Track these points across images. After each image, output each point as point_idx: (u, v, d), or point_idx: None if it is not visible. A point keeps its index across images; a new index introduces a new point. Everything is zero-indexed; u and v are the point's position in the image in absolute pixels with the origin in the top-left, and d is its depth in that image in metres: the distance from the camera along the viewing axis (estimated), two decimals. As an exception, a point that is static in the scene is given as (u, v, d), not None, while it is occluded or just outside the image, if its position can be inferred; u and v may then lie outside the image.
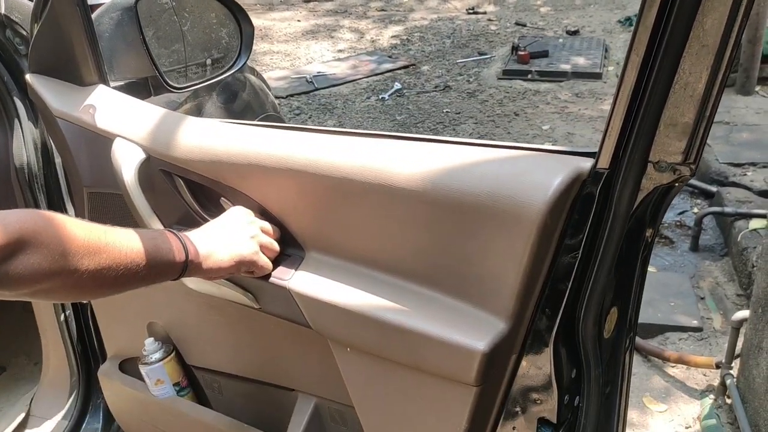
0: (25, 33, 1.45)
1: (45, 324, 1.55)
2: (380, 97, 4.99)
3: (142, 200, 1.14)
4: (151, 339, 1.32)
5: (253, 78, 2.25)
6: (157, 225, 1.14)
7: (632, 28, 0.77)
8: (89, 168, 1.26)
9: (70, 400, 1.60)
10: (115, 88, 1.31)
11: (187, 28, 1.74)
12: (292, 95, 5.08)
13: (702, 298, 2.74)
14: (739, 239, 2.83)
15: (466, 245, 0.91)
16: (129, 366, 1.43)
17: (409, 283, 0.96)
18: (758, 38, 4.16)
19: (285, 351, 1.19)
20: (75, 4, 1.21)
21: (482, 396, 0.91)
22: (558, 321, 0.88)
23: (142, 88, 1.42)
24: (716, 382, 2.28)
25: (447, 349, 0.89)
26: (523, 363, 0.92)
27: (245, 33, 1.61)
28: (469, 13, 6.65)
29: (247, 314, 1.13)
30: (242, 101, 2.15)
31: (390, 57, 5.73)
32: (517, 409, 0.94)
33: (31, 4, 1.32)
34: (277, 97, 4.33)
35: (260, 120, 2.10)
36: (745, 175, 3.35)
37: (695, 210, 3.31)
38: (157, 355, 1.31)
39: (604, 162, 0.83)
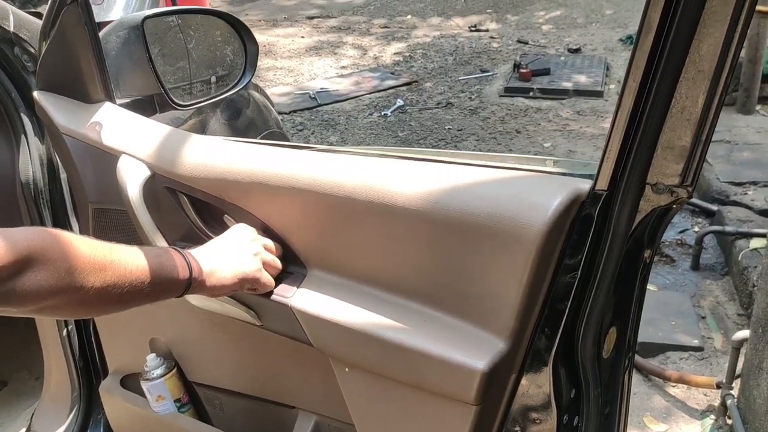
0: (33, 50, 1.47)
1: (47, 339, 1.55)
2: (383, 113, 5.02)
3: (146, 217, 1.15)
4: (153, 355, 1.33)
5: (256, 95, 2.27)
6: (161, 242, 1.15)
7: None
8: (95, 184, 1.27)
9: (71, 415, 1.60)
10: (121, 105, 1.33)
11: (192, 45, 1.76)
12: (295, 111, 5.11)
13: (703, 318, 2.74)
14: (739, 258, 2.83)
15: (466, 265, 0.92)
16: (130, 382, 1.44)
17: (410, 301, 0.97)
18: (758, 58, 4.18)
19: (286, 368, 1.19)
20: (83, 23, 1.23)
21: (482, 415, 0.92)
22: (557, 341, 0.89)
23: (148, 105, 1.44)
24: (717, 403, 2.27)
25: (447, 368, 0.90)
26: (523, 382, 0.92)
27: (250, 51, 1.63)
28: (472, 31, 6.70)
29: (249, 331, 1.14)
30: (246, 118, 2.17)
31: (393, 74, 5.77)
32: (517, 428, 0.94)
33: (40, 22, 1.34)
34: (280, 113, 4.36)
35: (264, 136, 2.12)
36: (746, 194, 3.36)
37: (696, 229, 3.31)
38: (159, 371, 1.31)
39: (603, 183, 0.85)
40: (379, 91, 5.42)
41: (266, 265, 1.05)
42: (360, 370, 1.01)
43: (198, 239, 1.12)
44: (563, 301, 0.88)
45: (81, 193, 1.30)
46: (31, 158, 1.46)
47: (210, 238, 1.10)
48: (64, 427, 1.60)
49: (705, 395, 2.37)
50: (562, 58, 5.71)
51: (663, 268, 3.07)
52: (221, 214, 1.14)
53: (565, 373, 0.91)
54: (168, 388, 1.33)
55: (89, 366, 1.55)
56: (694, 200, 3.38)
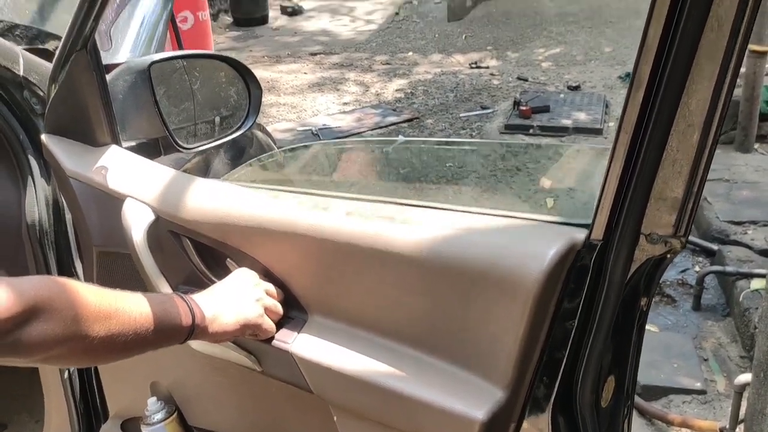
0: (42, 94, 1.50)
1: (48, 381, 1.55)
2: (384, 150, 5.06)
3: (150, 261, 1.16)
4: (154, 398, 1.33)
5: (259, 134, 2.30)
6: (164, 285, 1.16)
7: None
8: (99, 227, 1.28)
9: (71, 458, 1.58)
10: (127, 148, 1.35)
11: (197, 87, 1.79)
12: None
13: (705, 360, 2.72)
14: (740, 300, 2.83)
15: (464, 312, 0.93)
16: (131, 426, 1.43)
17: (409, 348, 0.98)
18: (755, 97, 4.22)
19: (286, 414, 1.19)
20: (92, 69, 1.26)
21: (481, 464, 0.92)
22: (556, 389, 0.90)
23: (153, 148, 1.46)
24: (721, 447, 2.25)
25: (446, 417, 0.90)
26: (522, 431, 0.92)
27: (253, 95, 1.66)
28: (472, 68, 6.79)
29: (249, 377, 1.14)
30: (249, 157, 2.20)
31: (394, 110, 5.83)
32: (516, 477, 0.94)
33: (49, 65, 1.37)
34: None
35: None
36: (746, 233, 3.37)
37: (697, 268, 3.31)
38: (159, 416, 1.31)
39: (598, 233, 0.86)
40: (380, 127, 5.48)
41: (268, 311, 1.06)
42: (359, 417, 1.02)
43: (201, 283, 1.13)
44: (561, 350, 0.89)
45: (86, 235, 1.31)
46: (37, 200, 1.47)
47: (213, 282, 1.11)
48: (62, 470, 1.58)
49: (708, 439, 2.34)
50: (562, 95, 5.77)
51: (664, 309, 3.06)
52: (224, 258, 1.15)
53: (564, 422, 0.91)
54: (168, 432, 1.33)
55: (90, 409, 1.55)
56: (694, 239, 3.38)
